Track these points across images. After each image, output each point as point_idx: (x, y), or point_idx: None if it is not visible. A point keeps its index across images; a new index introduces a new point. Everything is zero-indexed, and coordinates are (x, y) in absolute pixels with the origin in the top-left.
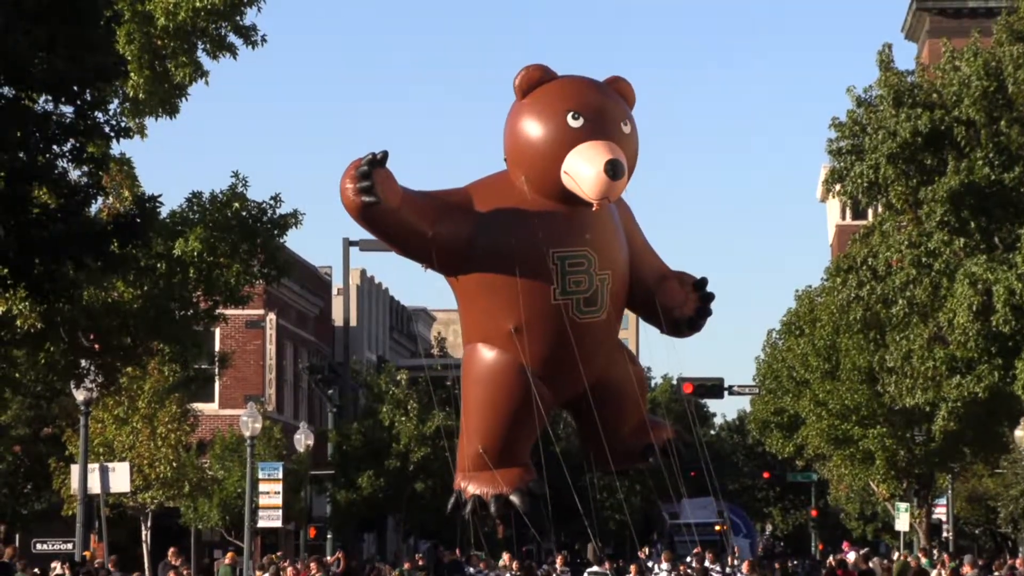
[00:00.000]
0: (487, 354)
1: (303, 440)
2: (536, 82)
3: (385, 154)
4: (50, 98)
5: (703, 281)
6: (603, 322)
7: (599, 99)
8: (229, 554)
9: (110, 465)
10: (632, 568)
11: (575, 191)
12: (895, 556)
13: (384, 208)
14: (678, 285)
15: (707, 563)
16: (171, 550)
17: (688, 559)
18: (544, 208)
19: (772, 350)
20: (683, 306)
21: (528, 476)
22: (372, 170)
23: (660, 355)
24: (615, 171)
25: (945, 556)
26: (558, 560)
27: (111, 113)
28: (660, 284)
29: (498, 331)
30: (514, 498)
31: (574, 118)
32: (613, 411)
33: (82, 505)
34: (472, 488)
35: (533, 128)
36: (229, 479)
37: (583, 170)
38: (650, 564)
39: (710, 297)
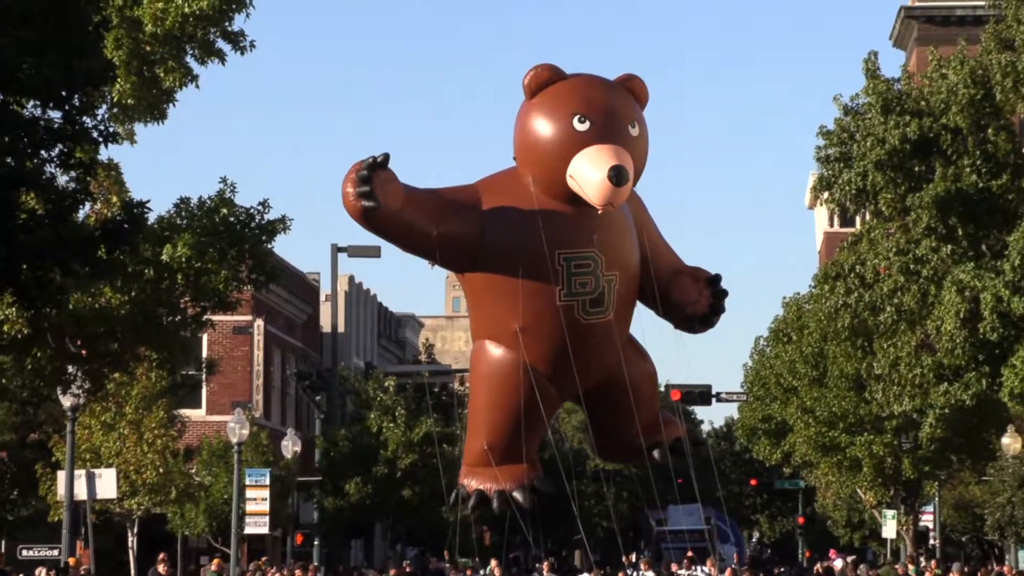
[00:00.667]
0: (494, 352)
1: (290, 446)
2: (545, 82)
3: (386, 157)
4: (38, 103)
5: (717, 277)
6: (610, 322)
7: (607, 101)
8: (215, 560)
9: (97, 471)
10: None
11: (580, 195)
12: (880, 563)
13: (386, 211)
14: (691, 281)
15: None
16: (161, 556)
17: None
18: (551, 209)
19: (760, 357)
20: (696, 303)
21: (533, 473)
22: (372, 174)
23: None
24: (619, 177)
25: (932, 563)
26: (544, 567)
27: (99, 118)
28: (673, 279)
29: (504, 330)
30: (516, 494)
31: (580, 121)
32: (624, 408)
33: (68, 511)
34: (475, 484)
35: (540, 130)
36: (216, 485)
37: (588, 175)
38: (630, 572)
39: (724, 294)
